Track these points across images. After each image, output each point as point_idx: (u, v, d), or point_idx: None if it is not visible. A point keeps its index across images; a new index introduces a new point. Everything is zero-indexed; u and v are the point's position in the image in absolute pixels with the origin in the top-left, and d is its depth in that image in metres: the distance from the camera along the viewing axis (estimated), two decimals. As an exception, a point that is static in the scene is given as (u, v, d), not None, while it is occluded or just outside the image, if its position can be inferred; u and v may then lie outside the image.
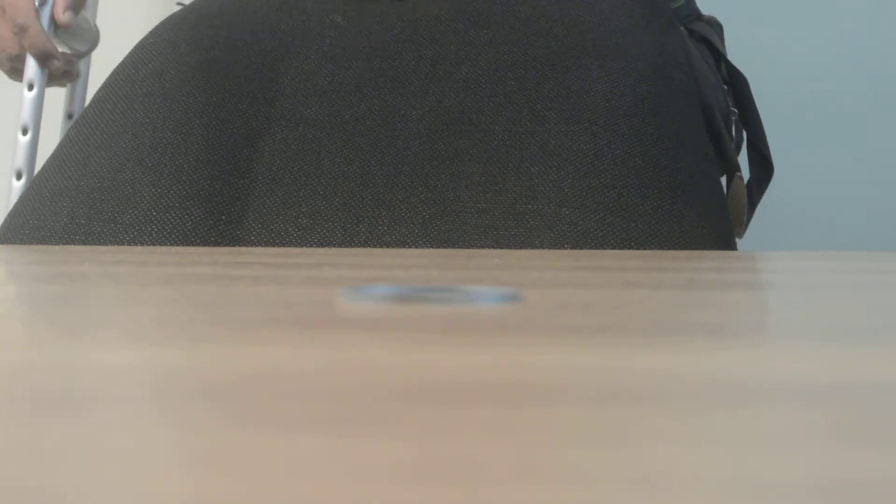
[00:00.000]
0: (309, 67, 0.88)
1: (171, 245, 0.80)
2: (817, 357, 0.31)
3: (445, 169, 0.83)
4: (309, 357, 0.30)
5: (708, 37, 1.02)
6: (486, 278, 0.54)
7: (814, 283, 0.56)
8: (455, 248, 0.80)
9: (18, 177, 1.02)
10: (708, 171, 0.87)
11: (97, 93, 0.91)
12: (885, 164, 1.44)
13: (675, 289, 0.52)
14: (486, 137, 0.83)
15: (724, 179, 0.96)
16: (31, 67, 1.02)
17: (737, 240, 0.92)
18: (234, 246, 0.82)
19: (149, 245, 0.80)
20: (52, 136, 1.03)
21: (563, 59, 0.86)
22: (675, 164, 0.84)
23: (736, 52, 1.06)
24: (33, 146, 1.03)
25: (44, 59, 1.01)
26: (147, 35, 0.92)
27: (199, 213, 0.82)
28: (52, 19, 1.01)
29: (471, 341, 0.33)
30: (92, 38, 1.10)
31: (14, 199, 0.99)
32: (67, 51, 1.07)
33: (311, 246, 0.82)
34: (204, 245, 0.81)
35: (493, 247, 0.79)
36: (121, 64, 0.91)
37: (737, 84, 1.02)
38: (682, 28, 0.98)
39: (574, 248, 0.78)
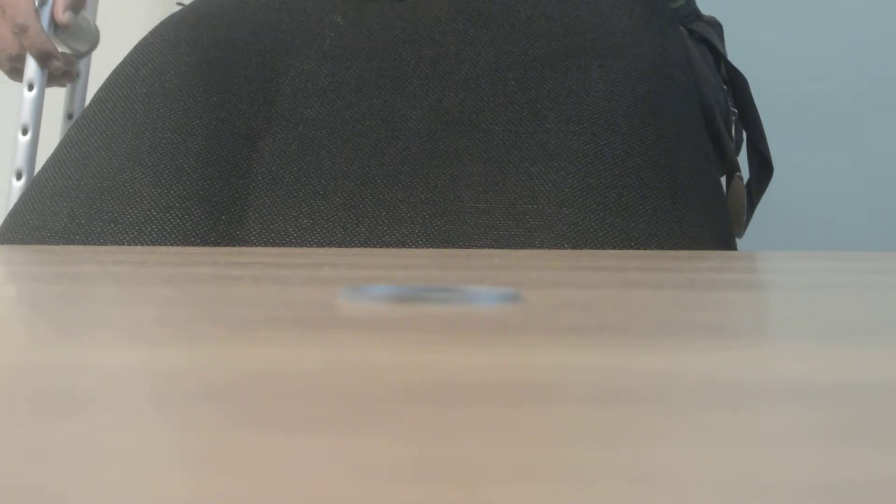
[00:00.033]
0: (309, 67, 0.88)
1: (171, 245, 0.80)
2: (817, 357, 0.31)
3: (445, 169, 0.83)
4: (309, 357, 0.30)
5: (708, 37, 1.02)
6: (486, 278, 0.54)
7: (814, 283, 0.56)
8: (455, 248, 0.80)
9: (18, 177, 1.02)
10: (708, 171, 0.87)
11: (97, 93, 0.91)
12: (885, 164, 1.44)
13: (675, 289, 0.52)
14: (486, 137, 0.83)
15: (723, 179, 0.96)
16: (31, 67, 1.02)
17: (737, 240, 0.92)
18: (234, 246, 0.82)
19: (149, 245, 0.80)
20: (52, 136, 1.03)
21: (563, 59, 0.86)
22: (675, 164, 0.84)
23: (736, 52, 1.06)
24: (33, 146, 1.03)
25: (44, 59, 1.01)
26: (147, 35, 0.92)
27: (199, 213, 0.82)
28: (52, 19, 1.01)
29: (471, 341, 0.33)
30: (92, 38, 1.10)
31: (14, 199, 0.99)
32: (67, 51, 1.07)
33: (311, 246, 0.82)
34: (204, 245, 0.81)
35: (493, 247, 0.79)
36: (121, 64, 0.91)
37: (736, 84, 1.02)
38: (682, 28, 0.98)
39: (574, 248, 0.78)
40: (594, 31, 0.87)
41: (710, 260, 0.71)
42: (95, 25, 1.12)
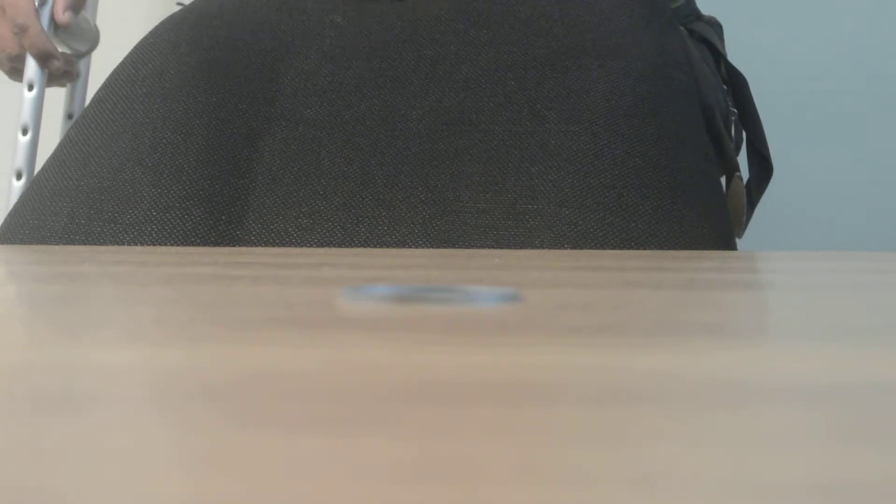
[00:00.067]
0: (309, 67, 0.88)
1: (171, 245, 0.80)
2: (817, 357, 0.31)
3: (445, 169, 0.83)
4: (309, 357, 0.30)
5: (708, 37, 1.02)
6: (486, 278, 0.54)
7: (814, 283, 0.56)
8: (455, 248, 0.80)
9: (18, 177, 1.02)
10: (708, 171, 0.87)
11: (97, 93, 0.91)
12: (885, 164, 1.44)
13: (675, 289, 0.52)
14: (486, 137, 0.83)
15: (723, 179, 0.96)
16: (31, 67, 1.02)
17: (737, 240, 0.92)
18: (234, 246, 0.82)
19: (149, 245, 0.80)
20: (52, 136, 1.04)
21: (563, 59, 0.86)
22: (675, 164, 0.84)
23: (736, 52, 1.06)
24: (33, 146, 1.03)
25: (44, 59, 1.01)
26: (147, 35, 0.92)
27: (199, 213, 0.82)
28: (52, 19, 1.01)
29: (471, 341, 0.33)
30: (92, 38, 1.10)
31: (14, 199, 0.99)
32: (67, 51, 1.07)
33: (311, 246, 0.82)
34: (204, 245, 0.81)
35: (493, 247, 0.79)
36: (121, 64, 0.91)
37: (736, 84, 1.02)
38: (682, 28, 0.98)
39: (574, 248, 0.78)
40: (594, 31, 0.87)
41: (710, 260, 0.71)
42: (95, 25, 1.12)
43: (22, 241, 0.83)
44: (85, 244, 0.81)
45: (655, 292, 0.49)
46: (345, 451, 0.20)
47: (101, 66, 1.02)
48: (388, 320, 0.37)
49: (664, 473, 0.19)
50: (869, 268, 0.64)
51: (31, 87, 1.02)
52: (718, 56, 1.02)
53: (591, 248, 0.78)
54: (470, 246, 0.80)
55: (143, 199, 0.82)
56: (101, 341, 0.34)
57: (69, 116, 1.13)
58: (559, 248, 0.78)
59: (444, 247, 0.80)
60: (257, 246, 0.82)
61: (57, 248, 0.79)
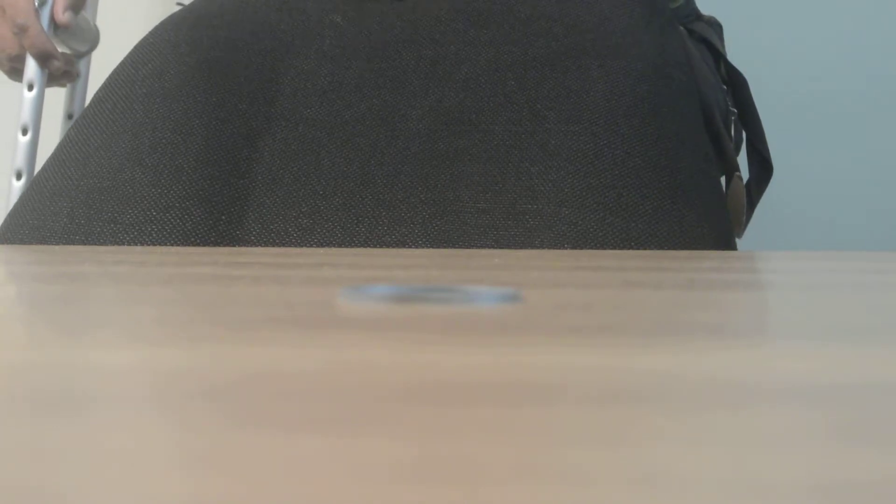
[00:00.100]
0: (309, 67, 0.88)
1: (171, 245, 0.80)
2: (817, 357, 0.31)
3: (445, 169, 0.83)
4: (309, 357, 0.30)
5: (707, 37, 1.02)
6: (486, 278, 0.54)
7: (814, 283, 0.56)
8: (455, 248, 0.80)
9: (18, 177, 1.02)
10: (708, 171, 0.88)
11: (97, 93, 0.91)
12: (885, 164, 1.44)
13: (675, 289, 0.52)
14: (486, 137, 0.83)
15: (723, 180, 0.96)
16: (31, 67, 1.02)
17: (737, 240, 0.92)
18: (234, 246, 0.82)
19: (149, 245, 0.80)
20: (52, 136, 1.04)
21: (563, 59, 0.86)
22: (675, 164, 0.84)
23: (736, 52, 1.06)
24: (33, 146, 1.03)
25: (44, 59, 1.01)
26: (147, 35, 0.92)
27: (199, 213, 0.82)
28: (52, 19, 1.01)
29: (471, 341, 0.33)
30: (92, 39, 1.10)
31: (14, 199, 0.99)
32: (67, 51, 1.07)
33: (311, 246, 0.82)
34: (204, 245, 0.81)
35: (493, 247, 0.79)
36: (121, 64, 0.91)
37: (736, 84, 1.02)
38: (681, 28, 0.98)
39: (574, 248, 0.78)
40: (594, 31, 0.87)
41: (710, 260, 0.71)
42: (95, 25, 1.12)
43: (22, 241, 0.83)
44: (85, 244, 0.81)
45: (655, 292, 0.49)
46: (345, 451, 0.20)
47: (101, 66, 1.02)
48: (388, 320, 0.37)
49: (664, 473, 0.19)
50: (869, 268, 0.64)
51: (30, 87, 1.02)
52: (718, 56, 1.02)
53: (591, 248, 0.78)
54: (470, 246, 0.80)
55: (143, 199, 0.82)
56: (101, 341, 0.34)
57: (69, 116, 1.13)
58: (559, 248, 0.78)
59: (444, 247, 0.80)
60: (257, 246, 0.82)
61: (57, 248, 0.79)
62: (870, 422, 0.23)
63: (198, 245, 0.81)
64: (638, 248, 0.79)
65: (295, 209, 0.83)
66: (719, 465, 0.19)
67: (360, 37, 0.89)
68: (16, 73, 1.03)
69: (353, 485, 0.18)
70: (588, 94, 0.84)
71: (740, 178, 0.97)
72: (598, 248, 0.78)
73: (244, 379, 0.27)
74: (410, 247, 0.81)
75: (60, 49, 1.04)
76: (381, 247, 0.81)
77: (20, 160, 1.03)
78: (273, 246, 0.82)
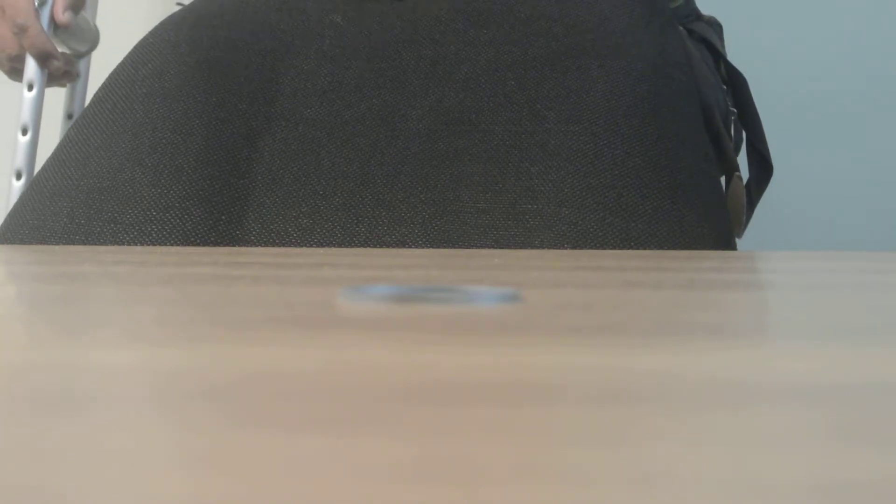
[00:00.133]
0: (309, 67, 0.88)
1: (171, 245, 0.80)
2: (817, 357, 0.31)
3: (445, 169, 0.83)
4: (309, 357, 0.30)
5: (707, 37, 1.02)
6: (486, 278, 0.54)
7: (814, 283, 0.56)
8: (455, 248, 0.80)
9: (18, 177, 1.02)
10: (708, 171, 0.88)
11: (97, 93, 0.91)
12: (885, 164, 1.44)
13: (675, 289, 0.52)
14: (486, 137, 0.83)
15: (722, 180, 0.96)
16: (31, 67, 1.02)
17: (737, 240, 0.92)
18: (234, 246, 0.82)
19: (149, 245, 0.80)
20: (52, 136, 1.04)
21: (562, 59, 0.86)
22: (675, 164, 0.84)
23: (736, 52, 1.06)
24: (33, 146, 1.03)
25: (43, 59, 1.01)
26: (147, 35, 0.92)
27: (199, 213, 0.82)
28: (52, 19, 1.01)
29: (471, 341, 0.33)
30: (92, 39, 1.10)
31: (14, 199, 0.99)
32: (67, 51, 1.07)
33: (311, 246, 0.82)
34: (204, 245, 0.81)
35: (493, 247, 0.79)
36: (121, 64, 0.91)
37: (736, 84, 1.02)
38: (681, 28, 0.98)
39: (574, 248, 0.78)
40: (594, 31, 0.87)
41: (710, 260, 0.71)
42: (95, 25, 1.12)
43: (22, 241, 0.83)
44: (85, 244, 0.81)
45: (655, 292, 0.49)
46: (345, 451, 0.20)
47: (101, 66, 1.02)
48: (388, 320, 0.37)
49: (664, 473, 0.19)
50: (869, 268, 0.64)
51: (30, 87, 1.02)
52: (718, 56, 1.02)
53: (591, 248, 0.78)
54: (470, 246, 0.80)
55: (143, 199, 0.82)
56: (101, 341, 0.34)
57: (69, 116, 1.13)
58: (559, 248, 0.78)
59: (444, 247, 0.80)
60: (257, 246, 0.82)
61: (57, 248, 0.79)
62: (870, 422, 0.23)
63: (198, 245, 0.81)
64: (638, 248, 0.79)
65: (295, 209, 0.83)
66: (719, 465, 0.19)
67: (360, 37, 0.89)
68: (16, 73, 1.03)
69: (353, 485, 0.18)
70: (588, 94, 0.84)
71: (740, 178, 0.97)
72: (598, 248, 0.78)
73: (244, 379, 0.27)
74: (410, 247, 0.81)
75: (60, 49, 1.04)
76: (381, 247, 0.81)
77: (20, 160, 1.03)
78: (273, 246, 0.82)
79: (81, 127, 0.88)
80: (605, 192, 0.81)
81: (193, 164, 0.83)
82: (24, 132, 1.03)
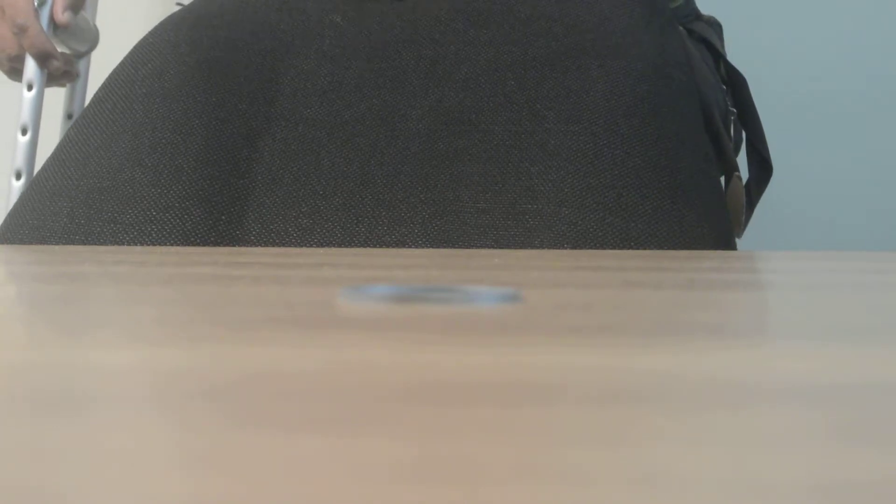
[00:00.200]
0: (309, 67, 0.88)
1: (171, 245, 0.80)
2: (817, 357, 0.31)
3: (445, 169, 0.83)
4: (309, 357, 0.30)
5: (707, 37, 1.02)
6: (486, 278, 0.54)
7: (814, 283, 0.56)
8: (455, 248, 0.80)
9: (18, 177, 1.02)
10: (708, 171, 0.88)
11: (97, 93, 0.91)
12: (885, 164, 1.44)
13: (675, 289, 0.52)
14: (486, 137, 0.83)
15: (722, 180, 0.96)
16: (31, 67, 1.02)
17: (737, 240, 0.92)
18: (234, 246, 0.82)
19: (149, 245, 0.80)
20: (51, 136, 1.03)
21: (562, 59, 0.86)
22: (675, 164, 0.84)
23: (736, 52, 1.06)
24: (33, 146, 1.03)
25: (43, 59, 1.01)
26: (147, 35, 0.92)
27: (199, 213, 0.82)
28: (52, 19, 1.01)
29: (471, 341, 0.33)
30: (91, 39, 1.10)
31: (14, 199, 0.99)
32: (67, 51, 1.07)
33: (311, 246, 0.82)
34: (204, 245, 0.81)
35: (493, 247, 0.79)
36: (120, 64, 0.91)
37: (736, 84, 1.02)
38: (680, 28, 0.98)
39: (574, 248, 0.78)
40: (594, 30, 0.87)
41: (710, 260, 0.71)
42: (95, 25, 1.12)
43: (22, 241, 0.83)
44: (85, 244, 0.81)
45: (655, 292, 0.49)
46: (345, 451, 0.20)
47: (101, 66, 1.02)
48: (388, 320, 0.37)
49: (664, 473, 0.19)
50: (869, 268, 0.64)
51: (30, 87, 1.02)
52: (718, 56, 1.02)
53: (591, 248, 0.78)
54: (470, 246, 0.80)
55: (143, 199, 0.82)
56: (101, 341, 0.34)
57: (69, 116, 1.13)
58: (559, 248, 0.78)
59: (444, 247, 0.80)
60: (257, 246, 0.82)
61: (57, 248, 0.79)
62: (870, 422, 0.23)
63: (198, 245, 0.81)
64: (638, 248, 0.79)
65: (295, 209, 0.83)
66: (719, 465, 0.19)
67: (360, 37, 0.89)
68: (15, 73, 1.03)
69: (353, 485, 0.18)
70: (588, 94, 0.84)
71: (739, 178, 0.97)
72: (598, 248, 0.78)
73: (244, 379, 0.27)
74: (410, 247, 0.81)
75: (60, 49, 1.04)
76: (381, 247, 0.81)
77: (20, 160, 1.03)
78: (273, 246, 0.82)
79: (81, 127, 0.88)
80: (605, 192, 0.81)
81: (193, 164, 0.83)
82: (24, 132, 1.03)
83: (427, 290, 0.43)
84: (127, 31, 1.08)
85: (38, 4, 1.00)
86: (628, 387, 0.26)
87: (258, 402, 0.24)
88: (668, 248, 0.80)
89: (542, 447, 0.20)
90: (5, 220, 0.87)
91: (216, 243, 0.82)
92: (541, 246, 0.79)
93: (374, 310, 0.39)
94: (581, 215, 0.80)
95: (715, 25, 1.05)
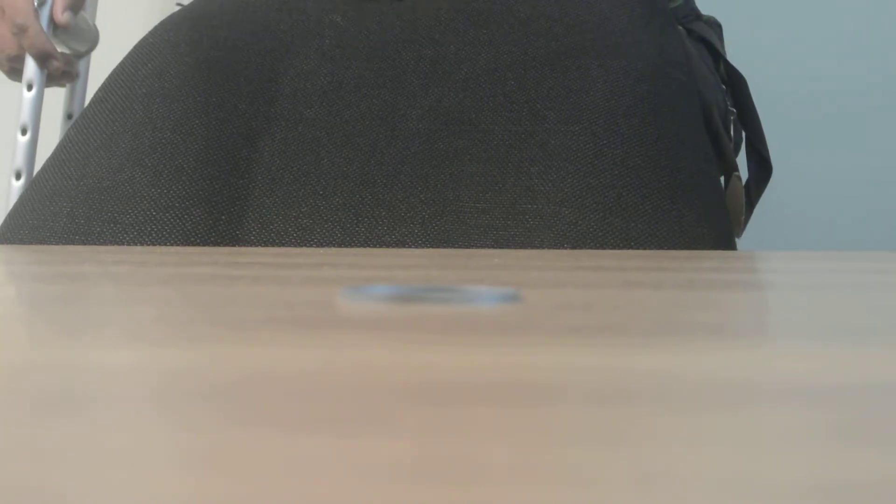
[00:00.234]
0: (309, 67, 0.88)
1: (171, 245, 0.80)
2: (817, 357, 0.31)
3: (445, 169, 0.83)
4: (309, 357, 0.30)
5: (707, 37, 1.02)
6: (486, 278, 0.54)
7: (814, 283, 0.56)
8: (455, 248, 0.80)
9: (18, 177, 1.02)
10: (708, 171, 0.88)
11: (97, 93, 0.91)
12: (885, 164, 1.44)
13: (675, 289, 0.52)
14: (486, 137, 0.83)
15: (721, 179, 0.96)
16: (31, 68, 1.02)
17: (736, 240, 0.92)
18: (233, 246, 0.82)
19: (149, 245, 0.80)
20: (51, 136, 1.03)
21: (562, 59, 0.86)
22: (675, 164, 0.84)
23: (736, 52, 1.06)
24: (32, 146, 1.03)
25: (43, 59, 1.01)
26: (146, 35, 0.92)
27: (199, 213, 0.82)
28: (52, 19, 1.01)
29: (471, 341, 0.33)
30: (91, 39, 1.10)
31: (14, 199, 0.99)
32: (67, 51, 1.07)
33: (311, 246, 0.82)
34: (204, 245, 0.81)
35: (493, 247, 0.79)
36: (120, 64, 0.91)
37: (735, 84, 1.02)
38: (680, 28, 0.98)
39: (574, 248, 0.78)
40: (594, 30, 0.87)
41: (710, 260, 0.71)
42: (95, 25, 1.12)
43: (22, 242, 0.83)
44: (85, 244, 0.81)
45: (655, 292, 0.49)
46: (345, 451, 0.20)
47: (100, 66, 1.02)
48: (388, 320, 0.37)
49: (664, 473, 0.19)
50: (869, 268, 0.64)
51: (30, 87, 1.02)
52: (717, 56, 1.02)
53: (591, 248, 0.78)
54: (470, 246, 0.80)
55: (143, 199, 0.82)
56: (101, 341, 0.34)
57: (69, 116, 1.13)
58: (559, 248, 0.78)
59: (444, 247, 0.80)
60: (257, 246, 0.82)
61: (57, 248, 0.79)
62: (870, 422, 0.23)
63: (198, 245, 0.81)
64: (638, 248, 0.79)
65: (295, 209, 0.83)
66: (719, 465, 0.19)
67: (359, 36, 0.89)
68: (15, 73, 1.03)
69: (353, 485, 0.18)
70: (588, 93, 0.84)
71: (739, 178, 0.97)
72: (598, 248, 0.78)
73: (244, 379, 0.27)
74: (410, 247, 0.81)
75: (60, 49, 1.04)
76: (380, 247, 0.81)
77: (20, 160, 1.03)
78: (273, 246, 0.82)
79: (81, 127, 0.88)
80: (605, 192, 0.81)
81: (193, 164, 0.83)
82: (24, 132, 1.03)
83: (427, 290, 0.43)
84: (127, 31, 1.08)
85: (37, 4, 1.00)
86: (628, 387, 0.26)
87: (258, 402, 0.24)
88: (668, 248, 0.80)
89: (542, 447, 0.20)
90: (5, 220, 0.87)
91: (216, 243, 0.82)
92: (541, 246, 0.79)
93: (374, 310, 0.39)
94: (581, 215, 0.80)
95: (715, 25, 1.05)
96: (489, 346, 0.32)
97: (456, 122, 0.85)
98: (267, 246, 0.82)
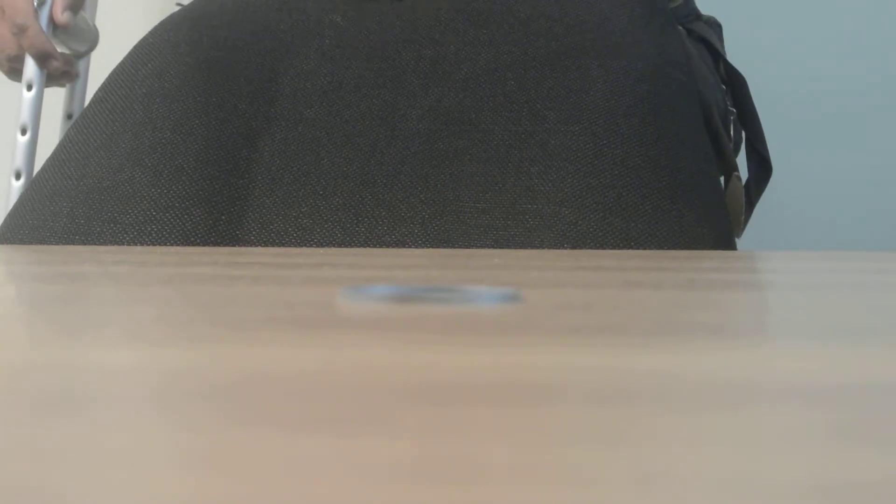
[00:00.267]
0: (309, 67, 0.88)
1: (171, 245, 0.80)
2: (817, 357, 0.31)
3: (445, 169, 0.83)
4: (309, 357, 0.30)
5: (706, 37, 1.02)
6: (486, 278, 0.54)
7: (814, 283, 0.56)
8: (455, 248, 0.80)
9: (17, 177, 1.02)
10: (708, 171, 0.88)
11: (97, 93, 0.91)
12: (885, 164, 1.44)
13: (675, 289, 0.52)
14: (486, 137, 0.83)
15: (721, 179, 0.96)
16: (30, 68, 1.02)
17: (736, 240, 0.92)
18: (233, 246, 0.82)
19: (149, 245, 0.80)
20: (51, 136, 1.03)
21: (562, 59, 0.86)
22: (675, 164, 0.84)
23: (736, 52, 1.06)
24: (32, 146, 1.03)
25: (43, 59, 1.01)
26: (146, 35, 0.92)
27: (199, 213, 0.82)
28: (51, 19, 1.01)
29: (471, 341, 0.33)
30: (91, 39, 1.10)
31: (13, 199, 0.99)
32: (66, 51, 1.07)
33: (311, 246, 0.82)
34: (204, 245, 0.81)
35: (493, 247, 0.79)
36: (120, 64, 0.91)
37: (735, 84, 1.02)
38: (680, 28, 0.98)
39: (574, 248, 0.78)
40: (594, 30, 0.87)
41: (710, 260, 0.71)
42: (95, 25, 1.12)
43: (22, 242, 0.83)
44: (85, 244, 0.81)
45: (655, 292, 0.49)
46: (345, 451, 0.20)
47: (100, 66, 1.02)
48: (388, 320, 0.37)
49: (664, 473, 0.19)
50: (869, 268, 0.64)
51: (29, 88, 1.02)
52: (717, 56, 1.02)
53: (591, 248, 0.78)
54: (470, 246, 0.80)
55: (143, 199, 0.82)
56: (101, 341, 0.34)
57: (69, 116, 1.13)
58: (559, 248, 0.78)
59: (444, 247, 0.80)
60: (257, 246, 0.82)
61: (57, 248, 0.79)
62: (870, 422, 0.23)
63: (198, 245, 0.81)
64: (638, 248, 0.79)
65: (295, 209, 0.83)
66: (719, 465, 0.19)
67: (359, 36, 0.89)
68: (15, 73, 1.03)
69: (353, 485, 0.18)
70: (588, 93, 0.84)
71: (738, 178, 0.97)
72: (598, 248, 0.78)
73: (244, 379, 0.27)
74: (410, 247, 0.81)
75: (59, 49, 1.04)
76: (381, 247, 0.81)
77: (19, 160, 1.03)
78: (273, 246, 0.82)
79: (81, 127, 0.88)
80: (605, 192, 0.81)
81: (193, 164, 0.83)
82: (24, 132, 1.03)
83: (427, 290, 0.43)
84: (127, 31, 1.08)
85: (37, 4, 1.00)
86: (628, 387, 0.26)
87: (258, 402, 0.24)
88: (668, 248, 0.80)
89: (542, 447, 0.20)
90: (5, 220, 0.87)
91: (216, 243, 0.82)
92: (541, 246, 0.79)
93: (374, 310, 0.39)
94: (581, 215, 0.80)
95: (714, 25, 1.05)
96: (489, 346, 0.32)
97: (456, 122, 0.85)
98: (267, 246, 0.82)
